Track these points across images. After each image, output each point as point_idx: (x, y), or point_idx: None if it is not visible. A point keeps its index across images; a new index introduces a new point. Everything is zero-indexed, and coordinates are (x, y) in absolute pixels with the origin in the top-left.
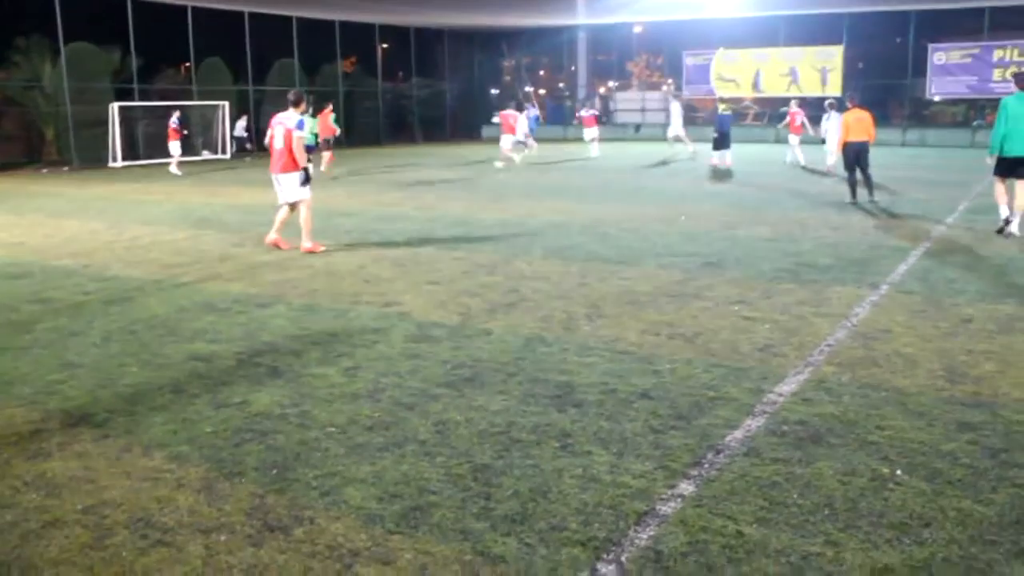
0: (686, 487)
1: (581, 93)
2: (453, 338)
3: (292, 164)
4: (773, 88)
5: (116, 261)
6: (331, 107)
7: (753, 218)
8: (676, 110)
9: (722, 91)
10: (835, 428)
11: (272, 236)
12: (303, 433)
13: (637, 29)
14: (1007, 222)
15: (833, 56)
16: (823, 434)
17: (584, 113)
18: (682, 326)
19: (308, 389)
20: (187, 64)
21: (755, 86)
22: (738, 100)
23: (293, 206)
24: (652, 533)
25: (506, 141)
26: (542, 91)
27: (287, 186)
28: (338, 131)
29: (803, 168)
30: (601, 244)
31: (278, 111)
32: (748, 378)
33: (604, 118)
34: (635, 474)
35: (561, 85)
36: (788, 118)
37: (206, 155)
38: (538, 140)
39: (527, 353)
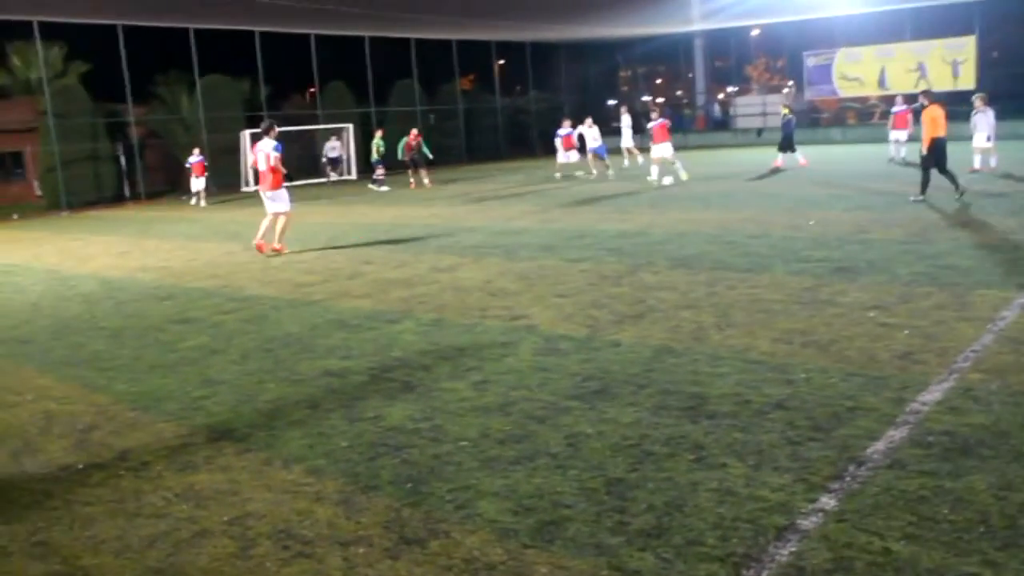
0: (827, 501)
1: (700, 100)
2: (581, 350)
3: (277, 182)
4: (900, 85)
5: (251, 281)
6: (415, 132)
7: (884, 220)
8: (626, 122)
9: (846, 91)
10: (986, 439)
11: (257, 240)
12: (436, 447)
13: (755, 32)
14: None
15: (964, 47)
16: (973, 445)
17: (563, 132)
18: (815, 334)
19: (439, 403)
20: (312, 89)
21: (880, 83)
22: (863, 99)
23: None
24: (794, 549)
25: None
26: (659, 99)
27: (276, 200)
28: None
29: (906, 164)
30: (728, 252)
31: (407, 130)
32: (888, 387)
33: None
34: (773, 487)
35: (679, 93)
36: (895, 116)
37: (334, 177)
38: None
39: (657, 364)
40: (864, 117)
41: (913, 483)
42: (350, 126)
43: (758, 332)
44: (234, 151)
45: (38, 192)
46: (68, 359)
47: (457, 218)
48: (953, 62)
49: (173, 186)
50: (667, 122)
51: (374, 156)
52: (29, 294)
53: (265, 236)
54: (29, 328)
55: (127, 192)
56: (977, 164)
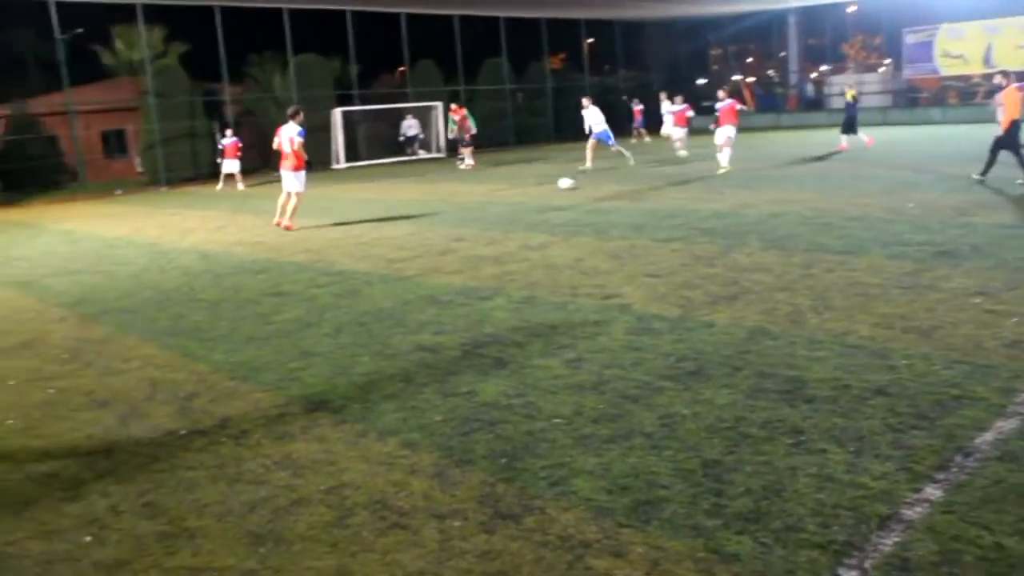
0: (933, 491)
1: (792, 79)
2: (675, 330)
3: (299, 164)
4: (1008, 62)
5: (343, 256)
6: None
7: (988, 203)
8: (667, 108)
9: (947, 69)
10: None
11: (286, 220)
12: (530, 423)
13: (851, 9)
14: None
15: None
16: None
17: (674, 108)
18: (917, 319)
19: (532, 380)
20: (401, 68)
21: (986, 61)
22: (966, 78)
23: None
24: (897, 539)
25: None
26: (750, 79)
27: (295, 180)
28: (473, 130)
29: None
30: (824, 234)
31: (496, 109)
32: (996, 376)
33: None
34: (875, 475)
35: (770, 72)
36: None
37: (423, 155)
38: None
39: (752, 346)
40: (966, 97)
41: None
42: (439, 104)
43: (857, 316)
44: (325, 129)
45: (139, 168)
46: (170, 329)
47: (546, 197)
48: None
49: (265, 162)
50: (735, 104)
51: (452, 134)
52: (132, 266)
53: (283, 214)
54: (133, 299)
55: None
56: None
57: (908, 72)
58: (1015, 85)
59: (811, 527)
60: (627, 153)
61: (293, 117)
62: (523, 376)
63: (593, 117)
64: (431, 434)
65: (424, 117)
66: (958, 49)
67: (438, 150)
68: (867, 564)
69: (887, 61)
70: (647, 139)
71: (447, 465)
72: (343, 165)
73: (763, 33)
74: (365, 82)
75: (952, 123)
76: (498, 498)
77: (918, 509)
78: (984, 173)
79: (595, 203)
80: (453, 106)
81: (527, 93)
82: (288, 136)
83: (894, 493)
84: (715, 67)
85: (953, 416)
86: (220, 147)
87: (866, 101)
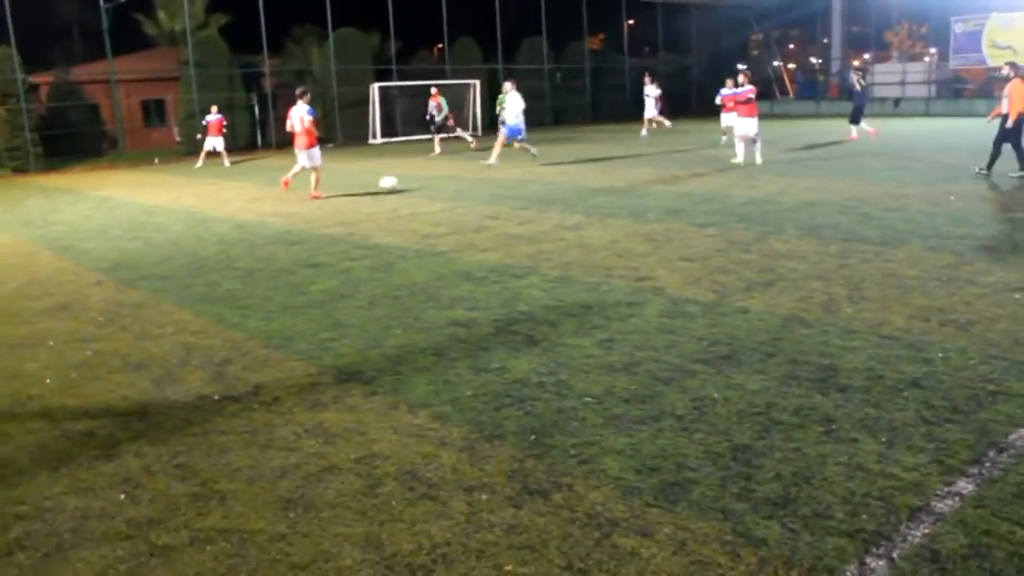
0: (965, 485)
1: (835, 66)
2: (708, 315)
3: (311, 141)
4: None
5: (378, 230)
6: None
7: None
8: (651, 92)
9: (996, 59)
10: None
11: (313, 191)
12: (560, 401)
13: None
14: None
15: None
16: None
17: (656, 91)
18: (954, 312)
19: (564, 359)
20: (440, 45)
21: None
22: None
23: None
24: (927, 531)
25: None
26: (791, 65)
27: (310, 157)
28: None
29: None
30: (861, 224)
31: (535, 88)
32: None
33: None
34: (907, 467)
35: (812, 59)
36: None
37: (459, 132)
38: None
39: (786, 333)
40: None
41: None
42: (476, 82)
43: (893, 307)
44: (362, 103)
45: (177, 138)
46: (205, 296)
47: (582, 177)
48: None
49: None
50: (753, 91)
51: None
52: (169, 233)
53: (317, 187)
54: (169, 265)
55: (259, 141)
56: None
57: (955, 62)
58: (1021, 77)
59: (840, 515)
60: (533, 150)
61: (301, 97)
62: (555, 354)
63: (511, 105)
64: (462, 408)
65: (461, 95)
66: (1007, 39)
67: (474, 129)
68: (895, 554)
69: (932, 50)
70: (668, 124)
71: (477, 439)
72: (379, 140)
73: (807, 19)
74: (403, 58)
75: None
76: (527, 474)
77: (949, 502)
78: (989, 167)
79: (631, 186)
80: (433, 91)
81: (565, 73)
82: (299, 116)
83: (925, 485)
84: (754, 52)
85: (988, 411)
86: (204, 123)
87: (910, 91)
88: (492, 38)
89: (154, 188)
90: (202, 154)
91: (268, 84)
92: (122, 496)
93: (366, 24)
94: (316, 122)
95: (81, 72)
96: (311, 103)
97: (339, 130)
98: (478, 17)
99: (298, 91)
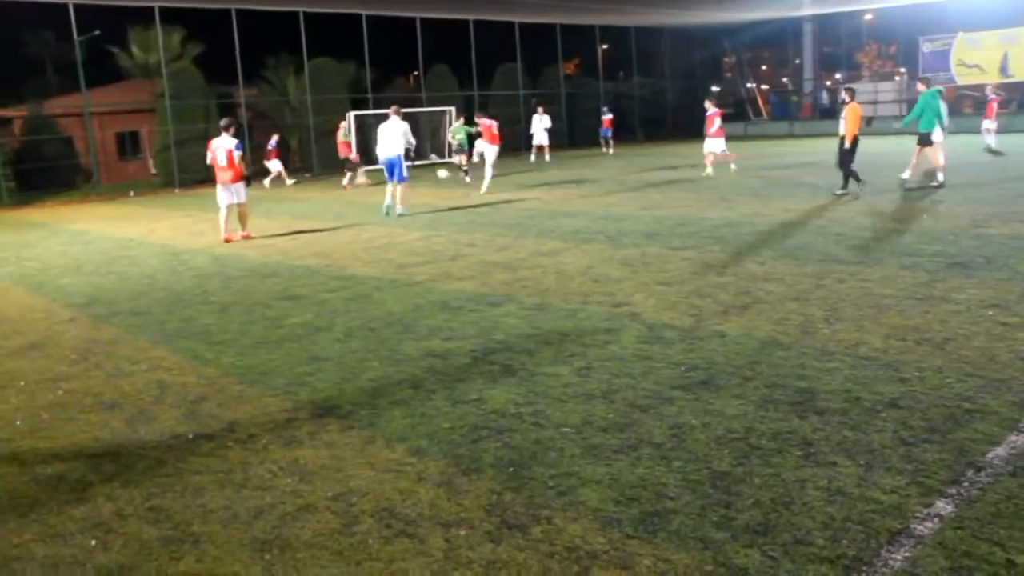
0: (944, 506)
1: (807, 87)
2: (686, 340)
3: (238, 175)
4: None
5: (354, 261)
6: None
7: (1001, 214)
8: (539, 121)
9: (964, 78)
10: None
11: (225, 234)
12: (538, 432)
13: (867, 17)
14: None
15: None
16: None
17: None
18: (930, 331)
19: (542, 388)
20: (415, 73)
21: (1002, 71)
22: (982, 87)
23: (235, 206)
24: (907, 555)
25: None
26: (764, 86)
27: (236, 191)
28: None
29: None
30: (836, 244)
31: (503, 114)
32: (1009, 390)
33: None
34: (885, 489)
35: (785, 80)
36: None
37: (434, 159)
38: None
39: (763, 356)
40: (981, 106)
41: None
42: (452, 109)
43: (869, 327)
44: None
45: (153, 170)
46: (180, 331)
47: (558, 203)
48: None
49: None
50: (720, 112)
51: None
52: (144, 267)
53: (229, 226)
54: (144, 300)
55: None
56: None
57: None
58: (858, 102)
59: (820, 541)
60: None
61: (226, 130)
62: (532, 384)
63: (387, 134)
64: (439, 441)
65: (437, 121)
66: (974, 58)
67: (449, 155)
68: None
69: (902, 70)
70: (610, 151)
71: (454, 473)
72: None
73: (779, 40)
74: (379, 87)
75: (967, 132)
76: (505, 507)
77: (929, 524)
78: (845, 186)
79: (607, 210)
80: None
81: (540, 98)
82: (225, 149)
83: (905, 507)
84: (728, 74)
85: (965, 430)
86: (269, 147)
87: (881, 110)
88: (467, 65)
89: (129, 221)
90: (270, 176)
91: (244, 115)
92: (93, 542)
93: (341, 53)
94: (243, 157)
95: (55, 105)
96: (238, 136)
97: (315, 160)
98: (453, 45)
99: (223, 122)
